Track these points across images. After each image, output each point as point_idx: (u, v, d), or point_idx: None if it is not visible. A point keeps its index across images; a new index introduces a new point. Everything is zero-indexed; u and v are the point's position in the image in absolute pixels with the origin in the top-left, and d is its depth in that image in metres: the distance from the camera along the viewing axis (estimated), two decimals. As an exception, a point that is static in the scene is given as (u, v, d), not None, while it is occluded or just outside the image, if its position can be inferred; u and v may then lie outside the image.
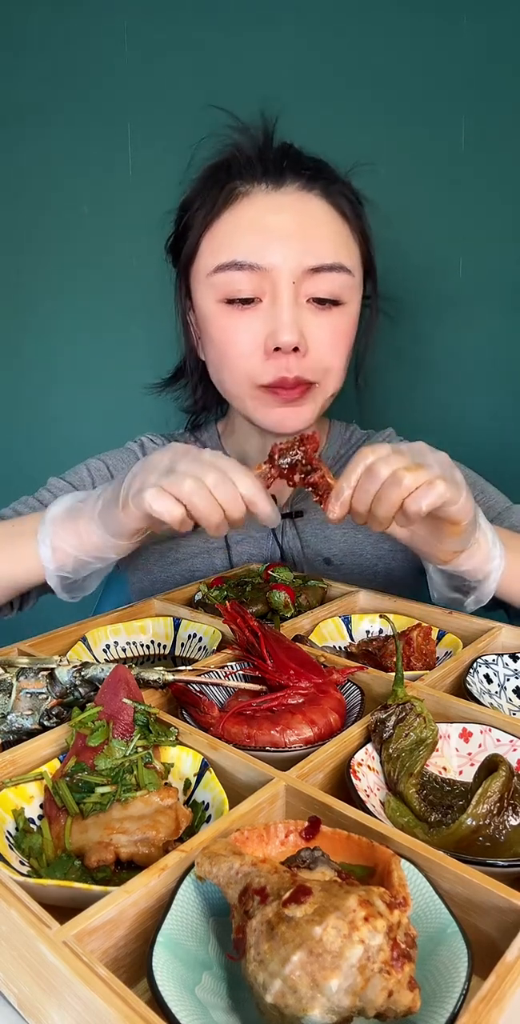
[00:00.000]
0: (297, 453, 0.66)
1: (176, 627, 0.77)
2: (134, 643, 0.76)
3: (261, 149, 0.87)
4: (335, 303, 0.86)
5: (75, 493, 0.75)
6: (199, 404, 1.06)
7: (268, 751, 0.53)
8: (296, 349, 0.84)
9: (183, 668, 0.63)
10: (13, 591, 0.79)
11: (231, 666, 0.64)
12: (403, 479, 0.58)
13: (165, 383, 1.06)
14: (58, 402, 1.42)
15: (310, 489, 0.66)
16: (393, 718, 0.54)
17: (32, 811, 0.48)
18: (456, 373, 1.38)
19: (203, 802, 0.49)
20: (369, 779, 0.51)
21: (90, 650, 0.73)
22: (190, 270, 0.91)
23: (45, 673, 0.59)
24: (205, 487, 0.61)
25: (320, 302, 0.85)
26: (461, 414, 1.38)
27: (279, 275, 0.83)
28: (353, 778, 0.49)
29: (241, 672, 0.64)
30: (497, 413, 1.38)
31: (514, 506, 0.94)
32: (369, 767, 0.52)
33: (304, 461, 0.66)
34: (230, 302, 0.86)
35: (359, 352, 0.97)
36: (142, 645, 0.77)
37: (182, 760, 0.52)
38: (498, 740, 0.55)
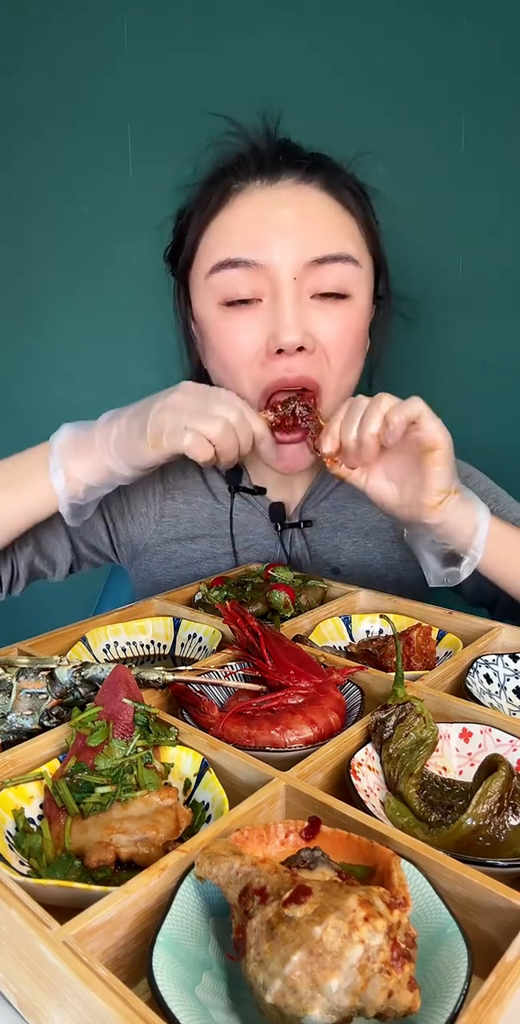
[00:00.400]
0: (295, 404, 0.78)
1: (176, 627, 0.77)
2: (134, 643, 0.76)
3: (256, 145, 0.85)
4: (342, 296, 0.82)
5: (75, 424, 0.79)
6: None
7: (268, 751, 0.53)
8: (302, 349, 0.80)
9: (183, 668, 0.63)
10: (26, 523, 0.81)
11: (231, 666, 0.64)
12: (382, 399, 0.67)
13: None
14: (58, 401, 1.42)
15: (309, 430, 0.78)
16: (393, 718, 0.54)
17: (32, 811, 0.48)
18: (456, 372, 1.38)
19: (203, 802, 0.49)
20: (369, 779, 0.51)
21: (90, 650, 0.73)
22: (188, 276, 0.89)
23: (45, 673, 0.59)
24: (231, 427, 0.72)
25: (325, 297, 0.82)
26: (462, 413, 1.37)
27: (278, 272, 0.79)
28: (353, 778, 0.49)
29: (241, 672, 0.64)
30: (498, 412, 1.38)
31: None
32: (369, 767, 0.52)
33: (303, 406, 0.78)
34: (229, 304, 0.83)
35: (373, 353, 0.94)
36: (142, 645, 0.77)
37: (182, 760, 0.52)
38: (498, 740, 0.55)
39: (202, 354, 0.93)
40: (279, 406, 0.77)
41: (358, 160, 0.88)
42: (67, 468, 0.76)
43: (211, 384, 0.95)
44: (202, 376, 0.97)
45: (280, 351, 0.81)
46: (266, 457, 0.78)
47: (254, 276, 0.81)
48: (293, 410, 0.78)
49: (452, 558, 0.75)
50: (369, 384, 0.98)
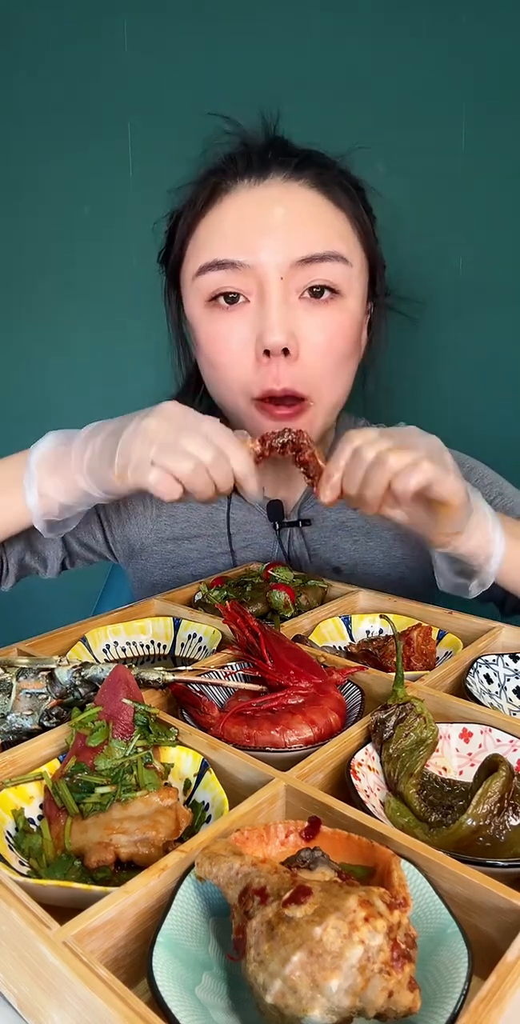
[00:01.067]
0: (286, 436, 0.70)
1: (176, 627, 0.77)
2: (134, 643, 0.76)
3: (245, 143, 0.84)
4: (333, 293, 0.81)
5: (58, 433, 0.74)
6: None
7: (268, 751, 0.53)
8: (287, 351, 0.79)
9: (183, 668, 0.63)
10: (3, 533, 0.78)
11: (231, 666, 0.64)
12: (387, 460, 0.59)
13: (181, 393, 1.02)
14: (58, 401, 1.42)
15: (301, 469, 0.69)
16: (393, 718, 0.54)
17: (32, 811, 0.48)
18: (456, 371, 1.38)
19: (203, 802, 0.49)
20: (369, 779, 0.51)
21: (90, 650, 0.73)
22: (179, 277, 0.88)
23: (45, 673, 0.59)
24: (203, 467, 0.63)
25: (315, 295, 0.80)
26: (463, 412, 1.38)
27: (265, 271, 0.78)
28: (353, 778, 0.49)
29: (241, 672, 0.64)
30: (499, 410, 1.38)
31: None
32: (369, 767, 0.52)
33: (294, 442, 0.70)
34: (216, 305, 0.82)
35: (369, 353, 0.94)
36: (142, 645, 0.77)
37: (182, 760, 0.52)
38: (498, 740, 0.55)
39: (196, 356, 0.93)
40: (269, 440, 0.70)
41: (352, 155, 0.87)
42: (41, 485, 0.71)
43: (198, 385, 0.95)
44: (196, 382, 0.97)
45: (267, 352, 0.80)
46: (250, 499, 0.69)
47: (241, 277, 0.80)
48: (283, 445, 0.71)
49: (465, 571, 0.73)
50: (363, 385, 0.97)
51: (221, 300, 0.81)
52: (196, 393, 0.99)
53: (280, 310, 0.79)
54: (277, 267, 0.78)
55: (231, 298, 0.81)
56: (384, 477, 0.59)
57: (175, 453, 0.62)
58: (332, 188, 0.82)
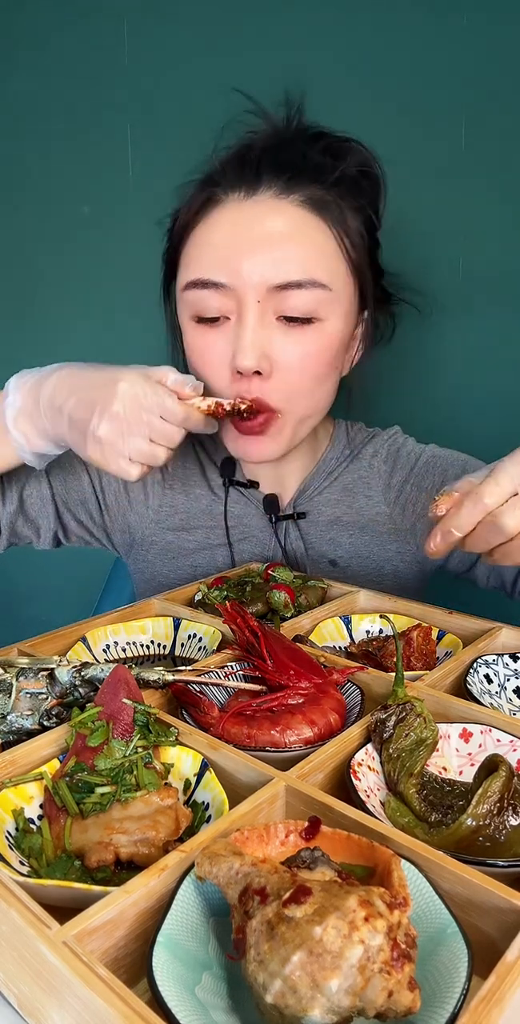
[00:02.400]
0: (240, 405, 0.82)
1: (176, 627, 0.77)
2: (134, 643, 0.76)
3: (243, 151, 0.83)
4: (308, 320, 0.81)
5: (22, 380, 0.83)
6: None
7: (268, 751, 0.53)
8: (260, 372, 0.81)
9: (183, 668, 0.63)
10: None
11: (231, 666, 0.64)
12: (506, 523, 0.56)
13: None
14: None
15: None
16: (393, 718, 0.54)
17: (32, 811, 0.48)
18: (457, 372, 1.38)
19: (203, 802, 0.49)
20: (369, 779, 0.51)
21: (90, 650, 0.73)
22: (172, 284, 0.90)
23: (45, 673, 0.59)
24: (153, 444, 0.76)
25: (290, 320, 0.81)
26: (461, 412, 1.38)
27: (244, 294, 0.79)
28: (353, 778, 0.49)
29: (241, 672, 0.64)
30: (499, 412, 1.38)
31: None
32: (369, 767, 0.52)
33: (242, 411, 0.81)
34: (200, 320, 0.84)
35: (348, 376, 0.94)
36: (142, 645, 0.77)
37: (182, 760, 0.52)
38: (498, 740, 0.55)
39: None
40: (221, 406, 0.80)
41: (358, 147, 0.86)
42: (29, 439, 0.81)
43: None
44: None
45: (240, 372, 0.82)
46: (203, 432, 0.81)
47: (222, 296, 0.81)
48: (236, 412, 0.81)
49: None
50: (347, 406, 0.98)
51: (205, 318, 0.83)
52: None
53: (254, 333, 0.80)
54: (254, 290, 0.79)
55: (213, 318, 0.83)
56: (500, 538, 0.58)
57: (123, 437, 0.74)
58: (324, 206, 0.81)
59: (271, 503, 0.98)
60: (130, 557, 1.05)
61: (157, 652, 0.76)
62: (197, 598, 0.82)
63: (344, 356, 0.90)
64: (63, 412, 0.77)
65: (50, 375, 0.80)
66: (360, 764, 0.51)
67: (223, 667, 0.64)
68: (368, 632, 0.77)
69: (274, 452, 0.88)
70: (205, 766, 0.51)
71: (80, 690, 0.58)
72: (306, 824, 0.42)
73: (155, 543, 1.01)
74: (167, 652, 0.76)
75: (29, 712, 0.56)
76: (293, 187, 0.81)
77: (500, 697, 0.65)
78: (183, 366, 0.98)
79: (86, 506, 0.99)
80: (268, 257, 0.79)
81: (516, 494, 0.57)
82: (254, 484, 0.99)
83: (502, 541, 0.59)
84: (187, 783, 0.51)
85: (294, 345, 0.82)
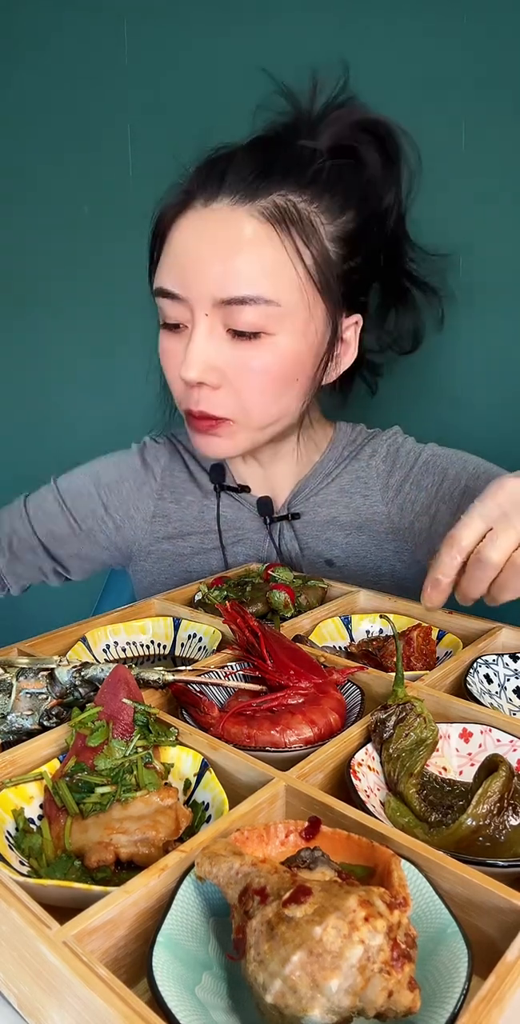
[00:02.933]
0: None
1: (176, 627, 0.77)
2: (134, 643, 0.76)
3: (220, 153, 0.83)
4: (256, 335, 0.80)
5: None
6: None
7: (268, 751, 0.53)
8: (203, 384, 0.82)
9: (183, 668, 0.63)
10: None
11: (231, 666, 0.64)
12: (488, 565, 0.58)
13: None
14: (57, 401, 1.42)
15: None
16: (393, 718, 0.54)
17: (32, 811, 0.48)
18: (457, 372, 1.38)
19: (203, 802, 0.49)
20: (369, 779, 0.51)
21: (90, 650, 0.73)
22: None
23: (45, 673, 0.59)
24: None
25: (238, 334, 0.81)
26: (463, 411, 1.37)
27: (194, 306, 0.80)
28: (353, 778, 0.49)
29: (241, 672, 0.64)
30: (499, 411, 1.38)
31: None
32: (369, 767, 0.52)
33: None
34: (165, 326, 0.86)
35: (363, 363, 0.94)
36: (142, 645, 0.77)
37: (182, 760, 0.52)
38: (498, 740, 0.55)
39: None
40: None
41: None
42: None
43: None
44: None
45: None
46: None
47: (179, 306, 0.82)
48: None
49: None
50: (341, 390, 0.99)
51: (168, 324, 0.85)
52: None
53: (199, 346, 0.80)
54: (202, 304, 0.80)
55: (174, 324, 0.85)
56: (506, 590, 0.59)
57: None
58: (284, 215, 0.79)
59: (265, 505, 0.98)
60: (130, 568, 1.07)
61: (157, 652, 0.76)
62: (197, 598, 0.82)
63: (312, 366, 0.87)
64: None
65: None
66: (360, 764, 0.51)
67: (223, 667, 0.64)
68: (368, 632, 0.77)
69: (230, 450, 0.88)
70: (205, 766, 0.51)
71: (80, 690, 0.58)
72: (306, 824, 0.42)
73: (152, 552, 1.02)
74: (167, 652, 0.76)
75: (29, 712, 0.56)
76: (254, 194, 0.79)
77: (500, 697, 0.65)
78: None
79: (100, 530, 1.01)
80: (216, 271, 0.78)
81: (491, 529, 0.59)
82: (245, 488, 1.00)
83: (492, 575, 0.60)
84: (187, 783, 0.51)
85: (242, 359, 0.81)
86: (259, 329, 0.80)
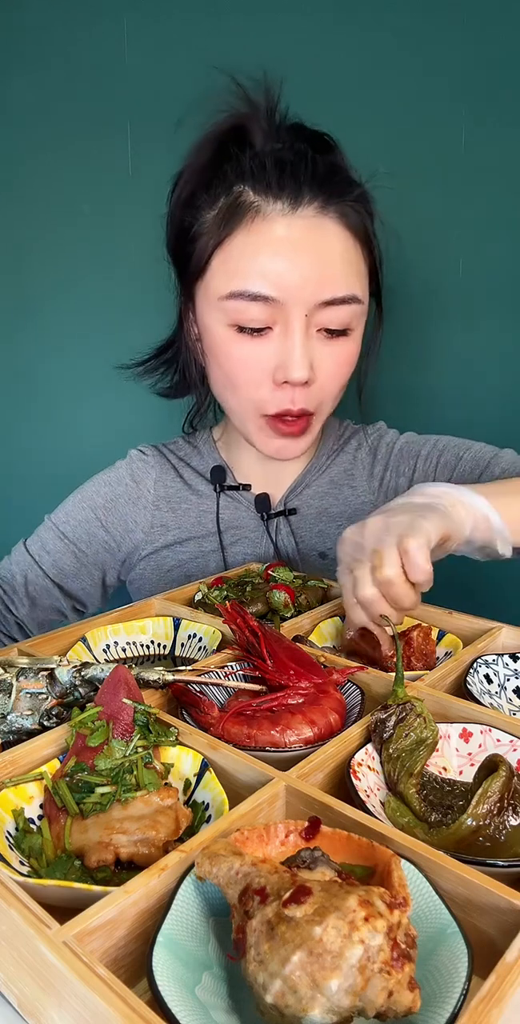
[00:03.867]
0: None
1: (176, 627, 0.77)
2: (134, 643, 0.76)
3: (276, 149, 0.83)
4: (344, 332, 0.86)
5: None
6: (175, 390, 1.03)
7: (268, 751, 0.53)
8: (306, 383, 0.85)
9: (183, 668, 0.63)
10: None
11: (231, 666, 0.64)
12: (391, 585, 0.61)
13: (144, 362, 1.02)
14: (56, 400, 1.42)
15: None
16: (393, 718, 0.54)
17: (32, 811, 0.48)
18: (456, 372, 1.38)
19: (203, 802, 0.49)
20: (369, 779, 0.51)
21: (90, 650, 0.73)
22: (197, 283, 0.88)
23: (45, 673, 0.59)
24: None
25: (330, 332, 0.85)
26: (461, 412, 1.38)
27: (292, 309, 0.82)
28: (353, 778, 0.49)
29: (241, 672, 0.64)
30: (497, 411, 1.38)
31: (502, 451, 0.94)
32: (369, 767, 0.52)
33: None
34: (241, 330, 0.84)
35: (361, 372, 0.96)
36: (142, 645, 0.77)
37: (182, 760, 0.52)
38: (498, 740, 0.55)
39: (205, 360, 0.94)
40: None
41: (355, 157, 0.88)
42: None
43: (189, 359, 0.97)
44: (179, 349, 0.98)
45: (285, 382, 0.84)
46: None
47: (269, 308, 0.82)
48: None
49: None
50: (358, 400, 0.99)
51: (248, 329, 0.84)
52: (198, 387, 1.00)
53: (304, 346, 0.83)
54: (304, 306, 0.82)
55: (256, 328, 0.84)
56: (403, 593, 0.61)
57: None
58: (353, 220, 0.85)
59: (262, 502, 1.00)
60: (128, 578, 1.07)
61: (157, 652, 0.76)
62: (197, 598, 0.82)
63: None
64: None
65: None
66: (360, 764, 0.51)
67: (223, 667, 0.64)
68: (368, 632, 0.77)
69: (304, 448, 0.93)
70: (205, 766, 0.51)
71: (80, 690, 0.58)
72: (306, 824, 0.42)
73: (151, 561, 1.02)
74: (167, 652, 0.76)
75: (29, 712, 0.56)
76: (329, 204, 0.83)
77: (500, 697, 0.65)
78: (195, 366, 0.97)
79: (105, 550, 1.01)
80: (318, 274, 0.81)
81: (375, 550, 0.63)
82: (246, 486, 1.01)
83: (380, 608, 0.63)
84: (187, 783, 0.51)
85: (332, 356, 0.87)
86: (347, 326, 0.86)
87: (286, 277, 0.81)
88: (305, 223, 0.82)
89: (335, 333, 0.85)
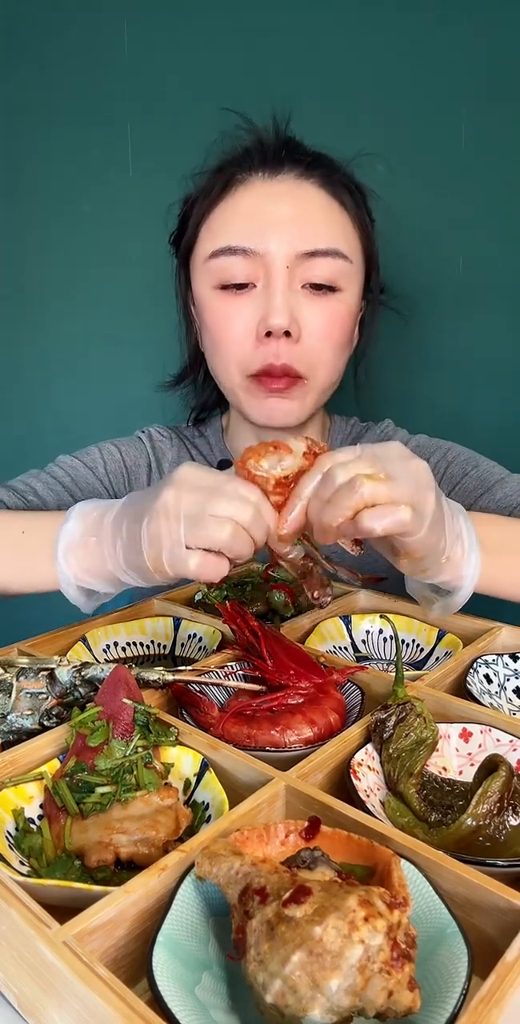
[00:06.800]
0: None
1: (176, 627, 0.77)
2: (134, 643, 0.76)
3: (261, 139, 0.87)
4: (331, 289, 0.86)
5: (87, 509, 0.66)
6: (207, 403, 1.06)
7: (268, 751, 0.53)
8: (288, 334, 0.83)
9: (183, 668, 0.63)
10: (28, 592, 0.74)
11: (231, 666, 0.64)
12: (360, 487, 0.49)
13: (174, 382, 1.05)
14: (58, 399, 1.42)
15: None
16: (393, 718, 0.54)
17: (32, 811, 0.48)
18: (456, 370, 1.38)
19: (203, 802, 0.49)
20: (369, 779, 0.51)
21: (90, 650, 0.73)
22: (190, 259, 0.91)
23: (45, 673, 0.59)
24: (240, 528, 0.54)
25: (315, 288, 0.85)
26: (461, 411, 1.37)
27: (273, 260, 0.82)
28: (353, 778, 0.49)
29: (241, 672, 0.64)
30: (497, 410, 1.38)
31: (510, 476, 0.90)
32: (369, 767, 0.52)
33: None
34: (225, 288, 0.86)
35: (360, 346, 0.97)
36: (142, 645, 0.77)
37: (182, 760, 0.52)
38: (498, 740, 0.55)
39: (198, 334, 0.95)
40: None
41: (357, 160, 0.90)
42: (74, 569, 0.65)
43: (201, 363, 0.97)
44: (198, 357, 0.99)
45: (269, 334, 0.83)
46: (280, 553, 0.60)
47: (250, 263, 0.84)
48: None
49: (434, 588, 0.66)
50: (354, 373, 0.99)
51: (230, 285, 0.85)
52: (197, 371, 1.02)
53: (284, 295, 0.83)
54: (284, 257, 0.83)
55: (239, 284, 0.85)
56: (351, 504, 0.50)
57: (206, 524, 0.53)
58: (338, 189, 0.86)
59: None
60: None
61: (157, 652, 0.76)
62: (197, 598, 0.82)
63: (354, 335, 0.93)
64: (124, 518, 0.61)
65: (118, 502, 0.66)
66: (360, 764, 0.51)
67: (223, 667, 0.64)
68: (368, 632, 0.77)
69: (298, 416, 0.90)
70: (205, 766, 0.51)
71: (80, 690, 0.58)
72: (306, 824, 0.42)
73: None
74: (167, 652, 0.76)
75: (29, 712, 0.56)
76: (312, 172, 0.85)
77: (500, 697, 0.65)
78: (193, 340, 0.98)
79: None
80: (296, 227, 0.83)
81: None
82: None
83: (329, 494, 0.52)
84: (187, 783, 0.51)
85: (318, 312, 0.85)
86: (333, 283, 0.85)
87: (265, 230, 0.83)
88: (285, 185, 0.85)
89: (321, 288, 0.85)
